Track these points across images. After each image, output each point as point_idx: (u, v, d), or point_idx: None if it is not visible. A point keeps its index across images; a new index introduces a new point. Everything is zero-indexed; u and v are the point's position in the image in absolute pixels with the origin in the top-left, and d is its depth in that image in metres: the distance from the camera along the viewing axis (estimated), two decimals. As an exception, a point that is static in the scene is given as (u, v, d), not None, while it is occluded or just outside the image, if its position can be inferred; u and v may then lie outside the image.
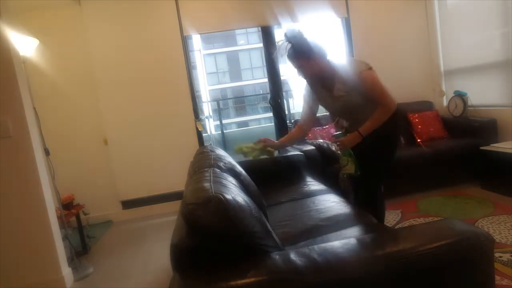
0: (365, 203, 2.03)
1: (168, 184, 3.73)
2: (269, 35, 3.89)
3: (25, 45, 2.53)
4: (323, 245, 1.05)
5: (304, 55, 1.77)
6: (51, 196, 2.42)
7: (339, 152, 2.00)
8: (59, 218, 2.52)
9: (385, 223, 2.62)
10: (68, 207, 2.88)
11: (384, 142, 1.91)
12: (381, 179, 2.07)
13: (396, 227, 2.54)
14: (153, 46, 3.68)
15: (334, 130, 2.25)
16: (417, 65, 4.07)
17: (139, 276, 2.42)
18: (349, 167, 1.93)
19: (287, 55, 1.80)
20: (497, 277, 1.75)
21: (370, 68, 1.82)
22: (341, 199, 2.02)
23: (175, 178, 3.54)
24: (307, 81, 1.96)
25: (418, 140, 3.48)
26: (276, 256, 1.01)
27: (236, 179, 1.62)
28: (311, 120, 2.16)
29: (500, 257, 1.95)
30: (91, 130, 3.72)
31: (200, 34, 4.01)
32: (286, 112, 4.36)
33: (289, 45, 1.78)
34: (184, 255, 1.03)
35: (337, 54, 2.05)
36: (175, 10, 3.64)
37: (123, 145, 3.71)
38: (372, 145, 1.86)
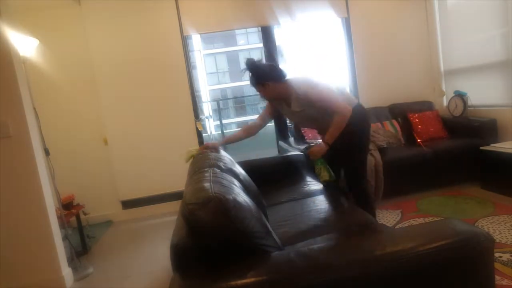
0: (354, 202, 2.14)
1: (168, 184, 3.73)
2: (269, 35, 3.88)
3: (25, 45, 2.53)
4: (323, 245, 1.06)
5: (260, 81, 2.06)
6: (51, 196, 2.42)
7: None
8: (59, 218, 2.52)
9: (384, 223, 2.64)
10: (68, 207, 2.88)
11: (350, 143, 2.06)
12: (361, 178, 2.21)
13: (396, 227, 2.54)
14: (153, 46, 3.68)
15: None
16: (417, 65, 4.07)
17: (139, 276, 2.42)
18: (323, 174, 2.09)
19: (249, 82, 2.11)
20: (497, 277, 1.75)
21: (317, 83, 2.02)
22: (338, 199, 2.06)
23: (175, 178, 3.53)
24: (268, 101, 2.24)
25: (418, 140, 3.48)
26: (276, 256, 1.01)
27: (236, 179, 1.62)
28: (262, 126, 2.35)
29: (500, 257, 1.95)
30: (91, 130, 3.72)
31: (200, 34, 4.01)
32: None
33: (250, 73, 2.07)
34: (184, 255, 1.03)
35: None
36: (175, 10, 3.64)
37: (123, 145, 3.72)
38: (341, 148, 2.04)
